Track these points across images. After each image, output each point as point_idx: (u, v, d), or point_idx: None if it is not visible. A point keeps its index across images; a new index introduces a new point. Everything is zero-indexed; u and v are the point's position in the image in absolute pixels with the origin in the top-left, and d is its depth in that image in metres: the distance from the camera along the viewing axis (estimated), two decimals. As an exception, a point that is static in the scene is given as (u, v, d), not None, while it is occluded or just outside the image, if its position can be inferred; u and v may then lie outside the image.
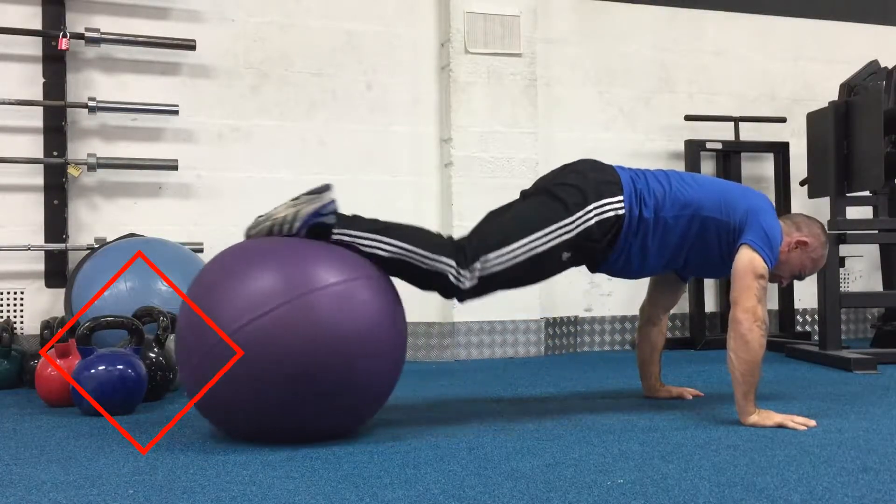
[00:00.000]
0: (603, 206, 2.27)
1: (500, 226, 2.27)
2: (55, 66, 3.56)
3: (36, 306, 3.53)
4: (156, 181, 3.70)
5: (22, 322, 3.51)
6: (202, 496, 1.55)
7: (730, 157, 4.53)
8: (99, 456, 1.92)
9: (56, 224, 3.54)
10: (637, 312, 2.80)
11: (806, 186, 4.12)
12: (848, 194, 3.71)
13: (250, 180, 3.82)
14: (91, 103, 3.52)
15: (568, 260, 2.29)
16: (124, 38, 3.60)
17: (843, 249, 3.71)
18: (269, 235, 2.10)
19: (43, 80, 3.55)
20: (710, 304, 4.49)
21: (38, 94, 3.54)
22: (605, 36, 4.46)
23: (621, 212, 2.28)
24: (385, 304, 2.04)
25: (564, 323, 4.24)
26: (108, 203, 3.65)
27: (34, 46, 3.56)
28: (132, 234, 3.49)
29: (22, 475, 1.74)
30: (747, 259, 2.24)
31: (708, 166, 4.55)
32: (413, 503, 1.49)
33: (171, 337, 2.88)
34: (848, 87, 4.00)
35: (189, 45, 3.68)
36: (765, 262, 2.24)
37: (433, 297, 4.02)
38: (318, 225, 2.09)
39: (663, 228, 2.33)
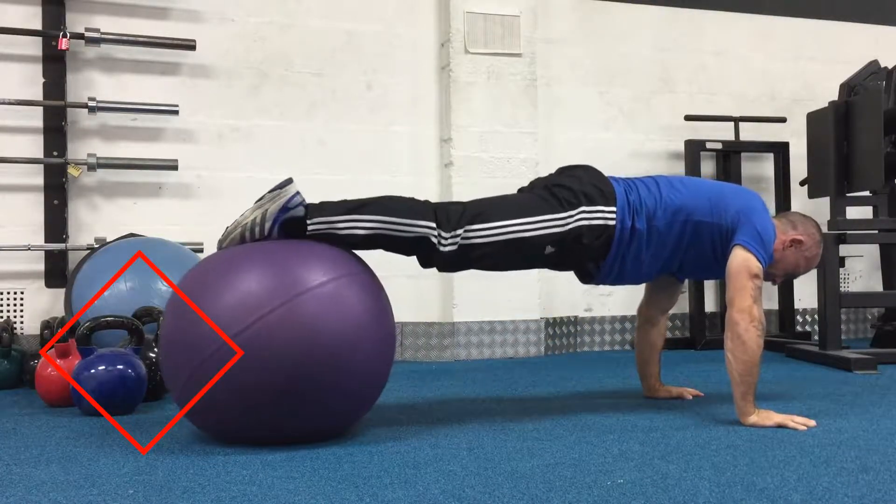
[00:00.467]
0: (594, 211, 2.27)
1: (491, 204, 2.26)
2: (55, 66, 3.56)
3: (36, 306, 3.53)
4: (156, 181, 3.70)
5: (22, 322, 3.51)
6: (202, 496, 1.55)
7: (730, 157, 4.53)
8: (99, 456, 1.92)
9: (56, 224, 3.54)
10: (636, 313, 2.79)
11: (806, 186, 4.12)
12: (848, 194, 3.71)
13: (250, 180, 3.82)
14: (91, 103, 3.52)
15: (551, 255, 2.28)
16: (124, 38, 3.60)
17: (843, 249, 3.70)
18: (242, 242, 2.07)
19: (43, 80, 3.55)
20: (710, 304, 4.49)
21: (38, 94, 3.54)
22: (605, 36, 4.46)
23: (612, 222, 2.28)
24: (369, 299, 2.01)
25: (564, 323, 4.24)
26: (108, 203, 3.65)
27: (34, 46, 3.56)
28: (132, 234, 3.49)
29: (22, 475, 1.74)
30: (741, 259, 2.24)
31: (708, 166, 4.55)
32: (413, 503, 1.49)
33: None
34: (848, 87, 4.00)
35: (189, 45, 3.68)
36: (759, 261, 2.24)
37: (433, 298, 4.04)
38: (289, 220, 2.06)
39: (657, 237, 2.34)
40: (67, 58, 3.58)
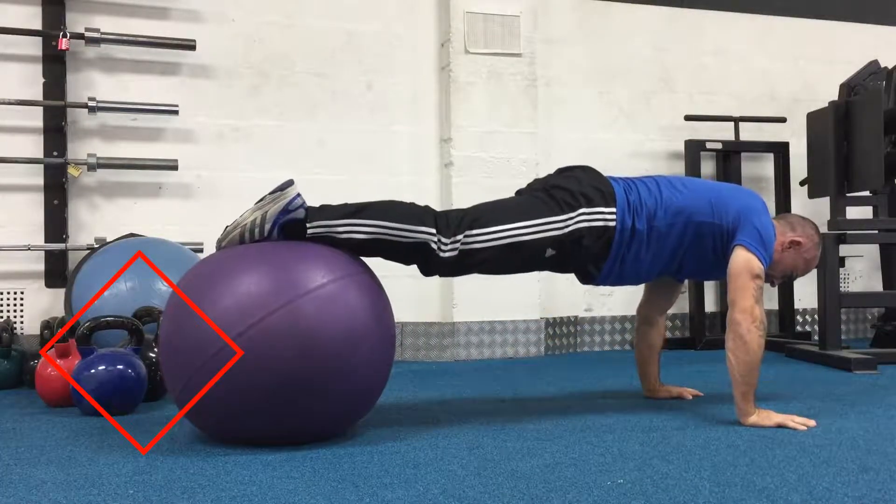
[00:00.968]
0: (593, 213, 2.26)
1: (491, 208, 2.26)
2: (55, 66, 3.56)
3: (36, 306, 3.53)
4: (156, 181, 3.70)
5: (22, 322, 3.51)
6: (202, 496, 1.55)
7: (730, 157, 4.53)
8: (99, 456, 1.92)
9: (56, 224, 3.54)
10: (635, 313, 2.79)
11: (806, 186, 4.12)
12: (848, 194, 3.71)
13: (250, 180, 3.82)
14: (91, 103, 3.52)
15: (551, 258, 2.27)
16: (124, 38, 3.60)
17: (843, 249, 3.70)
18: (241, 243, 2.06)
19: (43, 80, 3.55)
20: (710, 304, 4.49)
21: (38, 94, 3.54)
22: (605, 36, 4.46)
23: (612, 223, 2.28)
24: (369, 301, 2.01)
25: (564, 323, 4.24)
26: (108, 203, 3.65)
27: (34, 46, 3.56)
28: (132, 234, 3.49)
29: (22, 475, 1.74)
30: (743, 260, 2.24)
31: (708, 166, 4.55)
32: (413, 503, 1.50)
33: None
34: (848, 87, 4.00)
35: (189, 45, 3.68)
36: (760, 261, 2.24)
37: (433, 298, 4.04)
38: (289, 221, 2.05)
39: (657, 238, 2.33)
40: (67, 58, 3.58)
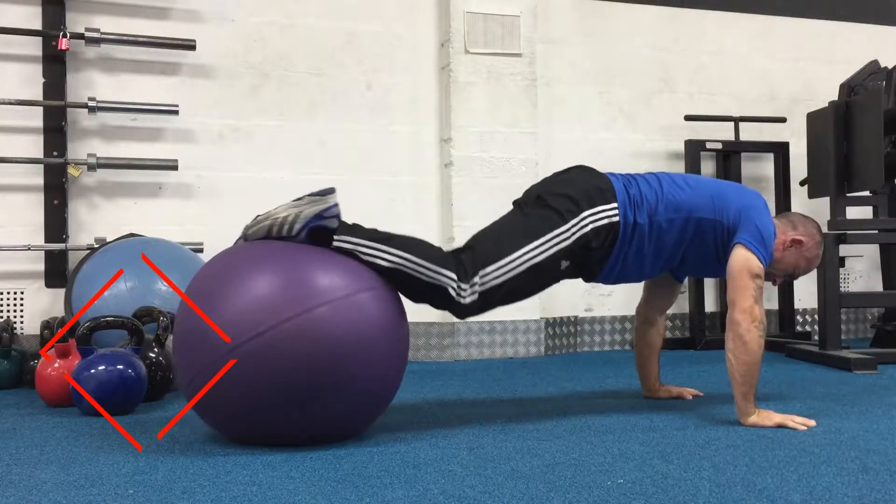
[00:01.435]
0: (596, 213, 2.26)
1: (495, 238, 2.24)
2: (55, 66, 3.56)
3: (36, 306, 3.53)
4: (156, 181, 3.70)
5: (22, 322, 3.51)
6: (202, 496, 1.55)
7: (730, 157, 4.53)
8: (99, 456, 1.92)
9: (56, 224, 3.54)
10: (635, 313, 2.79)
11: (806, 186, 4.12)
12: (848, 194, 3.71)
13: (250, 180, 3.82)
14: (91, 103, 3.52)
15: (566, 269, 2.28)
16: (124, 38, 3.60)
17: (843, 249, 3.70)
18: (267, 235, 2.06)
19: (43, 80, 3.55)
20: (709, 304, 4.49)
21: (38, 94, 3.55)
22: (605, 36, 4.46)
23: (615, 219, 2.28)
24: (389, 314, 2.01)
25: (564, 323, 4.24)
26: (108, 203, 3.65)
27: (34, 46, 3.56)
28: (132, 234, 3.49)
29: (22, 475, 1.74)
30: (742, 259, 2.24)
31: (708, 166, 4.55)
32: (413, 503, 1.49)
33: (172, 337, 2.88)
34: (848, 87, 4.00)
35: (189, 45, 3.68)
36: (760, 260, 2.24)
37: (433, 297, 4.02)
38: (319, 228, 2.05)
39: (658, 233, 2.33)
40: (67, 58, 3.58)
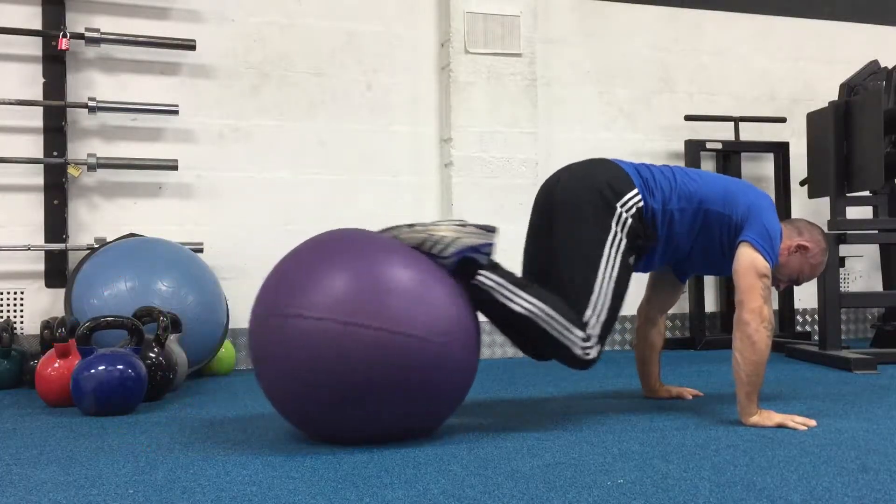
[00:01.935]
0: (627, 202, 2.29)
1: (570, 283, 2.23)
2: (55, 66, 3.56)
3: (36, 306, 3.53)
4: (156, 181, 3.70)
5: (22, 322, 3.51)
6: (202, 496, 1.55)
7: (730, 157, 4.53)
8: (99, 456, 1.92)
9: (56, 224, 3.54)
10: (636, 313, 2.79)
11: (806, 186, 4.12)
12: (848, 194, 3.71)
13: (250, 180, 3.82)
14: (91, 103, 3.52)
15: (634, 262, 2.33)
16: (124, 38, 3.60)
17: (843, 249, 3.71)
18: (417, 247, 2.07)
19: (43, 80, 3.55)
20: (710, 304, 4.49)
21: (38, 94, 3.54)
22: (605, 36, 4.46)
23: (641, 203, 2.31)
24: (466, 363, 2.06)
25: (564, 323, 4.23)
26: (108, 203, 3.65)
27: (34, 46, 3.56)
28: (132, 234, 3.49)
29: (22, 475, 1.74)
30: (749, 258, 2.24)
31: (708, 166, 4.55)
32: (413, 503, 1.49)
33: (172, 337, 2.88)
34: (848, 87, 4.00)
35: (189, 45, 3.68)
36: (766, 260, 2.24)
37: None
38: (470, 259, 2.09)
39: (670, 221, 2.35)
40: (67, 58, 3.58)
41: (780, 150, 4.56)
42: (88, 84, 3.64)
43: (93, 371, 2.46)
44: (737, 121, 4.51)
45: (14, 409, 2.64)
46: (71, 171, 3.53)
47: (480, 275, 2.11)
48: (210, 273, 3.40)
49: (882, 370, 3.31)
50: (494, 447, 1.96)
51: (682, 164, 4.44)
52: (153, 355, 2.71)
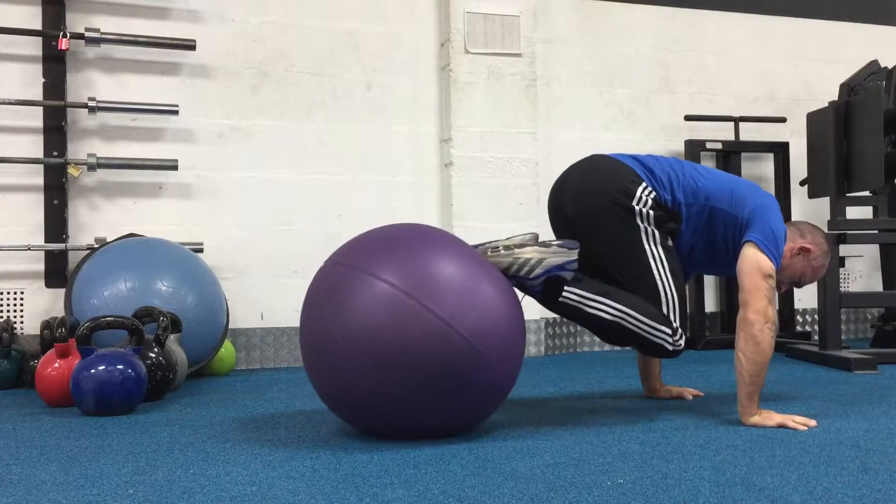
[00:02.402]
0: (640, 198, 2.31)
1: (632, 287, 2.29)
2: (55, 66, 3.56)
3: (36, 306, 3.53)
4: (156, 181, 3.70)
5: (22, 322, 3.51)
6: (202, 496, 1.55)
7: (730, 157, 4.53)
8: (99, 456, 1.92)
9: (56, 224, 3.54)
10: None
11: (806, 186, 4.12)
12: (848, 194, 3.71)
13: (250, 180, 3.82)
14: (91, 103, 3.52)
15: (674, 244, 2.39)
16: (124, 38, 3.60)
17: (843, 249, 3.70)
18: (504, 272, 2.13)
19: (43, 80, 3.55)
20: (710, 304, 4.49)
21: (38, 94, 3.54)
22: (605, 36, 4.46)
23: (654, 193, 2.34)
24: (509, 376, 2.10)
25: (564, 323, 4.24)
26: (108, 203, 3.65)
27: (34, 46, 3.56)
28: (132, 234, 3.49)
29: (22, 475, 1.74)
30: (754, 258, 2.24)
31: (708, 166, 4.54)
32: (413, 503, 1.49)
33: (172, 337, 2.88)
34: (848, 87, 4.00)
35: (189, 45, 3.68)
36: (770, 261, 2.24)
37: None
38: (556, 277, 2.17)
39: (678, 213, 2.36)
40: (67, 58, 3.58)
41: (780, 150, 4.56)
42: (88, 84, 3.64)
43: (93, 371, 2.46)
44: (737, 121, 4.51)
45: (14, 409, 2.64)
46: (71, 171, 3.53)
47: (567, 292, 2.19)
48: (210, 273, 3.40)
49: (882, 370, 3.31)
50: (494, 447, 1.96)
51: (682, 164, 4.44)
52: (153, 355, 2.71)
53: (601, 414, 2.41)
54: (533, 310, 4.02)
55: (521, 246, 2.17)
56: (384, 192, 4.00)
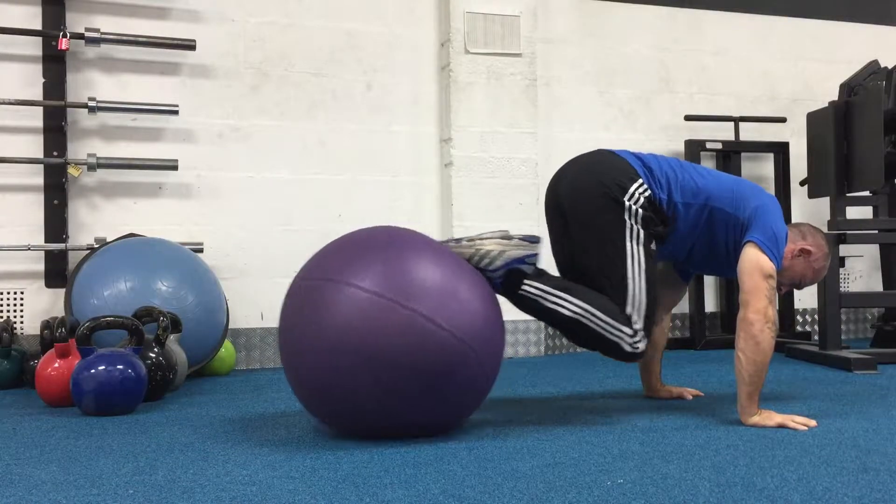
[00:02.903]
0: (633, 194, 2.31)
1: (606, 279, 2.28)
2: (55, 66, 3.56)
3: (36, 306, 3.53)
4: (156, 181, 3.70)
5: (22, 322, 3.51)
6: (202, 496, 1.55)
7: (730, 157, 4.53)
8: (99, 456, 1.92)
9: (56, 224, 3.54)
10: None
11: (806, 186, 4.12)
12: (848, 194, 3.71)
13: (250, 180, 3.82)
14: (91, 103, 3.52)
15: (655, 248, 2.36)
16: (124, 38, 3.60)
17: (843, 249, 3.70)
18: (468, 261, 2.14)
19: (43, 80, 3.55)
20: (710, 304, 4.49)
21: (38, 94, 3.54)
22: (605, 36, 4.46)
23: (648, 192, 2.33)
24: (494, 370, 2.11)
25: (564, 323, 4.23)
26: (108, 203, 3.65)
27: (34, 46, 3.56)
28: (132, 234, 3.49)
29: (22, 475, 1.74)
30: (754, 259, 2.23)
31: (708, 166, 4.54)
32: (413, 503, 1.49)
33: (171, 337, 2.88)
34: (848, 87, 3.99)
35: (189, 45, 3.68)
36: (771, 261, 2.24)
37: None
38: (515, 270, 2.17)
39: (674, 215, 2.35)
40: (67, 58, 3.58)
41: (780, 150, 4.56)
42: (88, 84, 3.64)
43: (93, 371, 2.46)
44: (737, 121, 4.51)
45: (14, 409, 2.64)
46: (71, 171, 3.53)
47: (526, 284, 2.19)
48: (210, 273, 3.40)
49: (882, 370, 3.31)
50: (494, 447, 1.96)
51: (682, 164, 4.44)
52: (153, 355, 2.71)
53: (601, 414, 2.41)
54: (533, 310, 4.04)
55: (482, 238, 2.19)
56: (384, 192, 4.00)
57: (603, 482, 1.62)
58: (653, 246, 2.34)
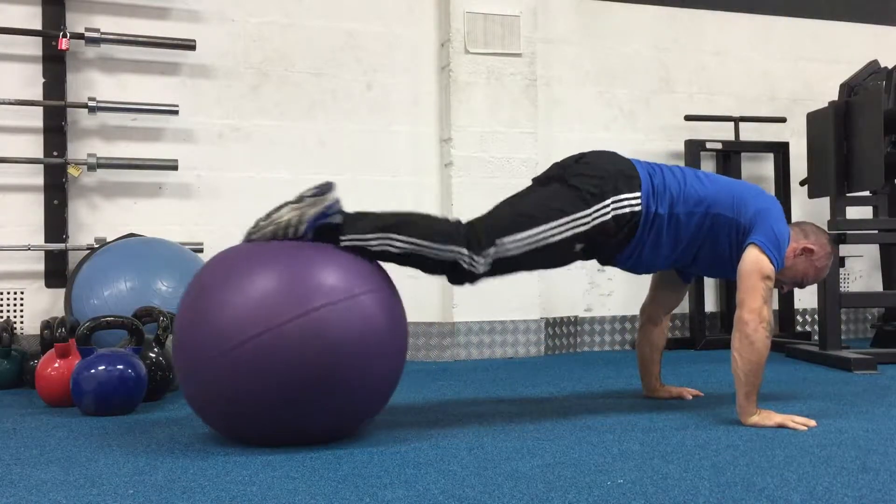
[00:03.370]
0: (620, 201, 2.28)
1: (516, 212, 2.25)
2: (55, 66, 3.56)
3: (36, 306, 3.53)
4: (156, 181, 3.70)
5: (22, 322, 3.51)
6: (202, 496, 1.55)
7: (730, 157, 4.53)
8: (99, 456, 1.92)
9: (56, 224, 3.54)
10: (637, 312, 2.80)
11: (806, 186, 4.12)
12: (848, 194, 3.71)
13: (250, 180, 3.82)
14: (91, 103, 3.52)
15: (580, 251, 2.30)
16: (124, 38, 3.60)
17: (843, 249, 3.70)
18: (272, 240, 2.06)
19: (43, 80, 3.55)
20: (710, 304, 4.49)
21: (38, 94, 3.55)
22: (605, 36, 4.46)
23: (637, 208, 2.29)
24: (387, 318, 2.01)
25: (564, 323, 4.24)
26: (108, 203, 3.65)
27: (34, 46, 3.56)
28: (132, 234, 3.49)
29: (22, 475, 1.74)
30: (754, 259, 2.24)
31: (708, 166, 4.55)
32: (413, 503, 1.49)
33: (172, 337, 2.88)
34: (848, 87, 4.00)
35: (189, 45, 3.68)
36: (771, 263, 2.24)
37: (433, 298, 4.04)
38: (324, 226, 2.06)
39: (676, 226, 2.34)
40: (67, 58, 3.58)
41: (780, 150, 4.56)
42: (88, 84, 3.64)
43: (93, 371, 2.46)
44: (737, 121, 4.51)
45: (14, 409, 2.64)
46: (71, 171, 3.53)
47: (343, 239, 2.07)
48: (210, 273, 3.40)
49: (882, 370, 3.31)
50: (494, 447, 1.96)
51: (681, 164, 4.44)
52: (153, 355, 2.70)
53: (601, 414, 2.41)
54: (533, 310, 4.05)
55: (277, 210, 2.10)
56: (384, 192, 4.00)
57: (603, 482, 1.62)
58: (577, 247, 2.28)
